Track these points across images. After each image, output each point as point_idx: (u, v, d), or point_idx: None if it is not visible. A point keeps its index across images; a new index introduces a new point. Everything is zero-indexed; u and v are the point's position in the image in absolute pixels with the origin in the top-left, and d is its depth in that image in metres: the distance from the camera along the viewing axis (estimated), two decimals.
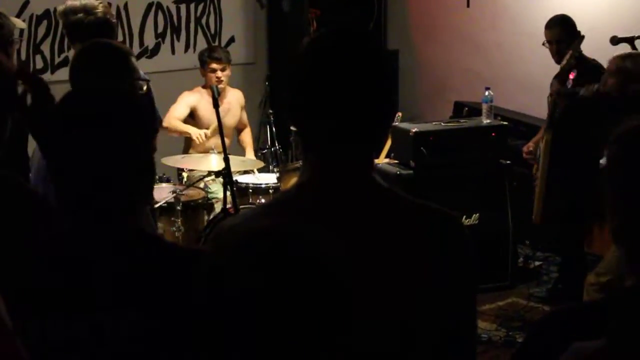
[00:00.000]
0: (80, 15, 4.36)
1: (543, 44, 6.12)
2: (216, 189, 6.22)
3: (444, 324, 1.83)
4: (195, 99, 6.81)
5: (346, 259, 1.69)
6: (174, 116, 6.65)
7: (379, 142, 1.89)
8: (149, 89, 4.35)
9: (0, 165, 2.53)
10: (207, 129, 6.65)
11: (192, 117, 6.81)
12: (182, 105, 6.76)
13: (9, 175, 2.53)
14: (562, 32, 5.97)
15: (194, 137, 6.63)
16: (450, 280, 1.83)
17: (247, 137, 7.41)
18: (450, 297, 1.83)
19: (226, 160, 4.81)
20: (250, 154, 7.28)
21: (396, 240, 1.81)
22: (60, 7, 4.46)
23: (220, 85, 6.70)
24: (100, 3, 4.47)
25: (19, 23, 4.76)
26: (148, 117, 2.11)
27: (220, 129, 4.90)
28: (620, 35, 5.87)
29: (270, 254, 1.65)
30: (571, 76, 5.72)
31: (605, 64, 5.80)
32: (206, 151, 6.42)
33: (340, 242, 1.71)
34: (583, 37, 5.78)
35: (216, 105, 4.74)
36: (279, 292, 1.63)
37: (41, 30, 7.41)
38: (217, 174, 5.11)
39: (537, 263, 7.06)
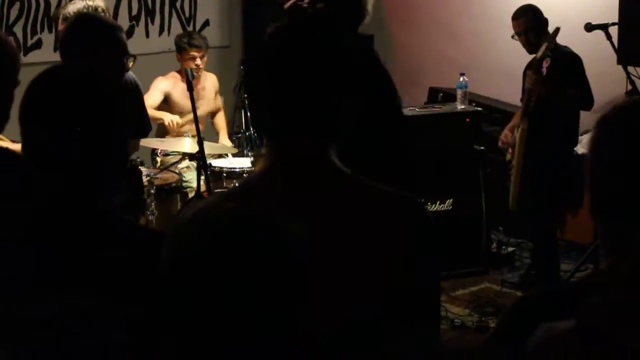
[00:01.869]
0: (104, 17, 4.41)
1: (512, 37, 6.09)
2: (190, 177, 6.19)
3: (406, 306, 1.85)
4: (169, 84, 6.79)
5: (306, 241, 1.71)
6: (148, 104, 6.62)
7: (340, 128, 1.90)
8: (138, 89, 4.41)
9: None
10: (181, 114, 6.65)
11: (166, 103, 6.79)
12: (155, 92, 6.75)
13: None
14: (529, 21, 5.94)
15: (167, 122, 6.62)
16: (412, 262, 1.85)
17: (220, 120, 7.41)
18: (413, 279, 1.85)
19: (200, 143, 4.80)
20: (224, 137, 7.28)
21: (357, 223, 1.83)
22: (79, 5, 4.45)
23: (198, 74, 6.74)
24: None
25: None
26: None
27: (194, 113, 4.88)
28: (594, 22, 5.90)
29: (229, 234, 1.65)
30: (545, 64, 5.72)
31: (579, 51, 5.82)
32: (180, 135, 6.41)
33: (300, 225, 1.72)
34: (558, 29, 5.76)
35: (190, 89, 4.72)
36: (236, 272, 1.63)
37: (14, 12, 7.33)
38: (191, 156, 5.10)
39: (510, 249, 7.09)
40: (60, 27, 4.53)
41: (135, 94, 4.50)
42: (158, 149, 6.57)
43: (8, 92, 2.66)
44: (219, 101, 7.39)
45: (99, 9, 4.47)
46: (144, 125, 4.61)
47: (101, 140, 2.02)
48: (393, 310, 1.82)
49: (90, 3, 4.47)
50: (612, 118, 1.73)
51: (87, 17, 3.64)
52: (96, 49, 3.45)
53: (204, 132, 7.03)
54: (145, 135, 4.80)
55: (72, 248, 1.96)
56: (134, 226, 2.18)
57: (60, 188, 2.01)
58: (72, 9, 4.46)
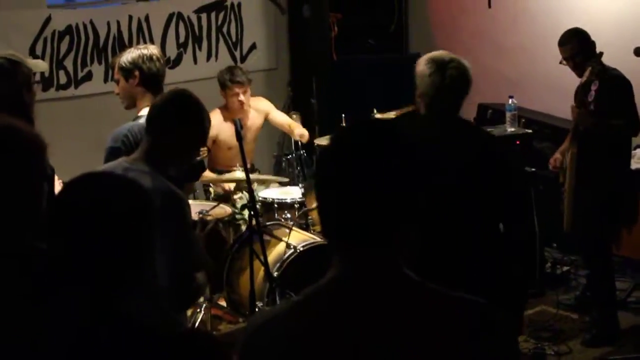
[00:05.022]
0: (159, 65, 4.49)
1: (561, 62, 6.05)
2: (243, 210, 6.21)
3: None
4: (215, 125, 6.74)
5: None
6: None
7: (406, 239, 1.87)
8: None
9: (39, 236, 2.57)
10: (230, 149, 6.64)
11: (214, 142, 6.76)
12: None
13: None
14: (576, 47, 5.89)
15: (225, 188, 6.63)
16: None
17: (284, 119, 7.39)
18: None
19: (250, 192, 4.79)
20: (297, 127, 7.27)
21: (430, 332, 1.79)
22: (134, 54, 4.51)
23: (244, 108, 6.75)
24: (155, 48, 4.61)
25: (40, 65, 4.81)
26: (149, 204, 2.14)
27: (244, 162, 4.85)
28: None
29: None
30: (593, 87, 5.66)
31: (628, 75, 5.75)
32: (232, 166, 6.44)
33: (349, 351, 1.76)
34: (601, 53, 5.73)
35: (239, 139, 4.71)
36: None
37: (63, 46, 7.45)
38: (243, 206, 5.13)
39: (565, 268, 7.03)
40: (116, 75, 4.60)
41: None
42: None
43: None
44: (281, 117, 7.34)
45: (154, 57, 4.53)
46: (198, 168, 4.64)
47: (127, 251, 2.05)
48: None
49: (146, 52, 4.53)
50: None
51: (179, 95, 3.71)
52: (183, 128, 3.56)
53: (253, 159, 7.08)
54: (198, 178, 4.83)
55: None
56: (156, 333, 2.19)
57: (88, 298, 2.03)
58: (127, 58, 4.52)
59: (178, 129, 3.53)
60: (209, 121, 3.65)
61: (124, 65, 4.50)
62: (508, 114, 6.66)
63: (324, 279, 1.87)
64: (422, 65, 4.00)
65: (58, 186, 4.52)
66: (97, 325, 2.01)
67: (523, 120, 7.03)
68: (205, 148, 3.72)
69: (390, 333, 1.78)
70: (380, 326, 1.78)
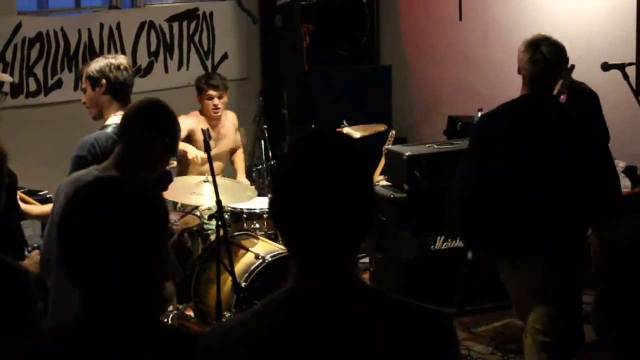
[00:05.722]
0: (126, 74, 4.49)
1: None
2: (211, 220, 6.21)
3: None
4: (192, 123, 6.75)
5: None
6: None
7: (359, 244, 1.92)
8: None
9: None
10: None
11: (189, 141, 6.76)
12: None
13: None
14: None
15: (191, 157, 6.59)
16: None
17: (239, 159, 7.39)
18: None
19: (218, 203, 4.80)
20: (241, 176, 7.27)
21: (377, 346, 1.83)
22: (102, 63, 4.51)
23: (217, 114, 6.78)
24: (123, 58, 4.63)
25: (4, 77, 4.81)
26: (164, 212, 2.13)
27: (213, 173, 4.86)
28: (611, 62, 5.89)
29: None
30: (562, 100, 5.71)
31: (596, 90, 5.81)
32: (201, 174, 6.42)
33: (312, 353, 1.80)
34: (573, 66, 5.77)
35: (208, 149, 4.73)
36: None
37: (34, 53, 7.41)
38: (210, 216, 5.14)
39: None
40: (84, 84, 4.59)
41: None
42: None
43: None
44: (238, 138, 7.40)
45: (121, 66, 4.52)
46: (166, 179, 4.64)
47: (146, 260, 2.03)
48: None
49: (114, 61, 4.53)
50: (618, 242, 1.76)
51: (157, 109, 3.74)
52: (159, 138, 3.63)
53: (225, 169, 7.08)
54: (166, 189, 4.81)
55: None
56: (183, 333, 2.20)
57: (111, 313, 2.01)
58: (94, 66, 4.52)
59: (153, 140, 3.59)
60: (180, 131, 3.67)
61: (91, 74, 4.49)
62: None
63: (283, 288, 1.90)
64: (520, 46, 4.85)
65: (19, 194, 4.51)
66: (123, 328, 2.01)
67: None
68: (175, 160, 3.71)
69: (347, 341, 1.82)
70: (338, 334, 1.82)
